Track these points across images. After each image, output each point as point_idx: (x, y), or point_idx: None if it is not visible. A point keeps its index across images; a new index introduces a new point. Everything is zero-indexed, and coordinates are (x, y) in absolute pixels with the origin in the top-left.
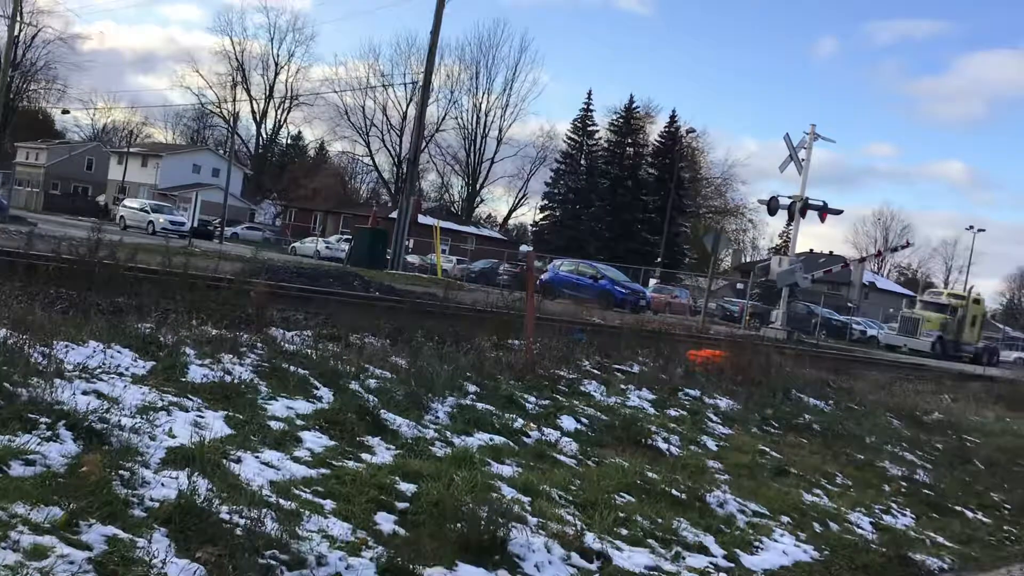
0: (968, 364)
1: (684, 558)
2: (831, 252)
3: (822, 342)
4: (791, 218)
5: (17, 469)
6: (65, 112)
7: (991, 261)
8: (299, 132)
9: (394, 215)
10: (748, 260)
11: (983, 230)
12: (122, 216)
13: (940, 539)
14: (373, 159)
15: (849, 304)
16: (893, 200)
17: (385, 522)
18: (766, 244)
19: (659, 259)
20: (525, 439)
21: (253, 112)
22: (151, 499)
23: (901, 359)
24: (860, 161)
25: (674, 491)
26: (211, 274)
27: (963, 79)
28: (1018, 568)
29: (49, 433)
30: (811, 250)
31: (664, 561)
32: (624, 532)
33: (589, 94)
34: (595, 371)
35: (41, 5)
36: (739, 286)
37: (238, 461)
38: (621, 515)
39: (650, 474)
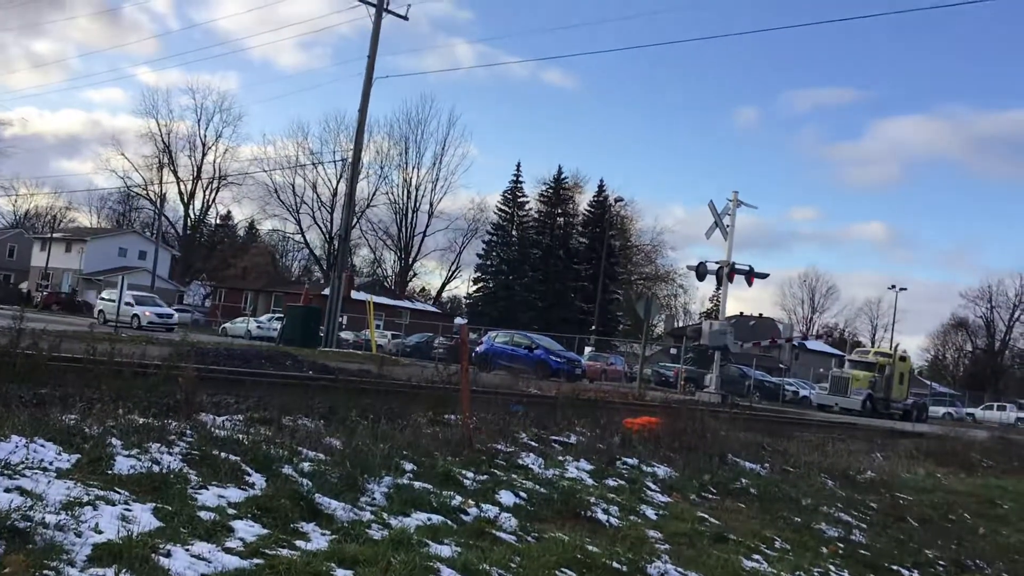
0: (899, 421)
1: None
2: (760, 314)
3: (756, 404)
4: (719, 283)
5: None
6: None
7: (915, 318)
8: (228, 211)
9: (327, 292)
10: (680, 325)
11: (904, 288)
12: (101, 311)
13: None
14: (304, 236)
15: (781, 365)
16: (818, 261)
17: None
18: (697, 308)
19: (593, 327)
20: (464, 517)
21: (180, 193)
22: None
23: (833, 419)
24: (785, 225)
25: (615, 563)
26: (138, 360)
27: (878, 143)
28: None
29: None
30: (741, 313)
31: None
32: None
33: (518, 166)
34: (533, 443)
35: None
36: (672, 351)
37: (168, 555)
38: None
39: (590, 547)
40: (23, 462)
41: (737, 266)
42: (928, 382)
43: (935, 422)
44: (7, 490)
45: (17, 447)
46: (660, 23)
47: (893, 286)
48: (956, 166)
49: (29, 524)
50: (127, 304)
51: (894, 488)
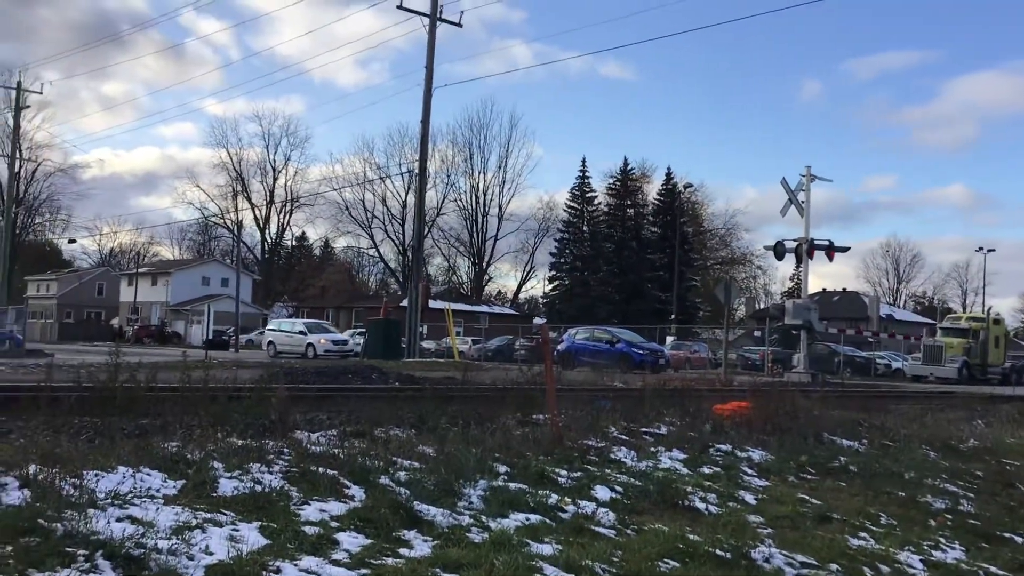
0: (997, 386)
1: None
2: (844, 289)
3: (848, 380)
4: (799, 260)
5: None
6: (72, 241)
7: (1005, 280)
8: (303, 232)
9: (405, 304)
10: (762, 307)
11: (993, 250)
12: (271, 342)
13: (993, 569)
14: (378, 250)
15: (870, 339)
16: (899, 229)
17: None
18: (778, 288)
19: (672, 316)
20: (561, 514)
21: (256, 219)
22: None
23: (929, 389)
24: (861, 196)
25: (718, 551)
26: (231, 384)
27: (951, 103)
28: None
29: (88, 565)
30: (824, 289)
31: None
32: None
33: (583, 161)
34: (623, 437)
35: (39, 140)
36: (756, 333)
37: (277, 571)
38: None
39: (691, 536)
40: (131, 491)
41: (816, 242)
42: None
43: None
44: (119, 519)
45: (124, 477)
46: (712, 3)
47: (980, 248)
48: None
49: (143, 551)
50: (300, 333)
51: (999, 455)
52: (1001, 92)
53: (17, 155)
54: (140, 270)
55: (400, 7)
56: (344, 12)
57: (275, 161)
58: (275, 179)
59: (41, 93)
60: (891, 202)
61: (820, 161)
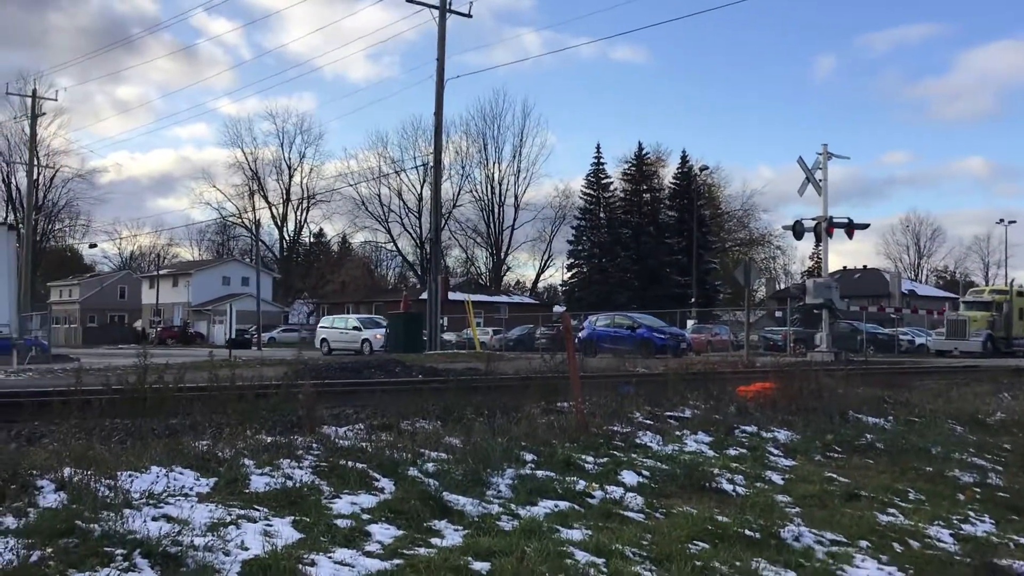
0: (1023, 359)
1: None
2: (865, 266)
3: (871, 357)
4: (818, 239)
5: None
6: (93, 246)
7: None
8: (320, 229)
9: (424, 296)
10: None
11: (1014, 221)
12: (324, 339)
13: (1023, 540)
14: (396, 244)
15: (892, 316)
16: (919, 204)
17: None
18: (798, 268)
19: (692, 299)
20: (590, 500)
21: (273, 217)
22: None
23: (953, 363)
24: (879, 171)
25: (747, 531)
26: (257, 382)
27: (967, 75)
28: None
29: (126, 564)
30: (845, 267)
31: None
32: None
33: (598, 147)
34: (648, 421)
35: (56, 146)
36: (778, 314)
37: (312, 564)
38: (698, 563)
39: (720, 518)
40: (165, 490)
41: (835, 220)
42: None
43: None
44: (154, 518)
45: (158, 477)
46: None
47: (1001, 220)
48: None
49: (179, 548)
50: (354, 329)
51: None
52: (1018, 62)
53: (35, 162)
54: (161, 272)
55: (409, 0)
56: (353, 7)
57: (290, 159)
58: (291, 177)
59: (56, 100)
60: (910, 177)
61: (837, 138)
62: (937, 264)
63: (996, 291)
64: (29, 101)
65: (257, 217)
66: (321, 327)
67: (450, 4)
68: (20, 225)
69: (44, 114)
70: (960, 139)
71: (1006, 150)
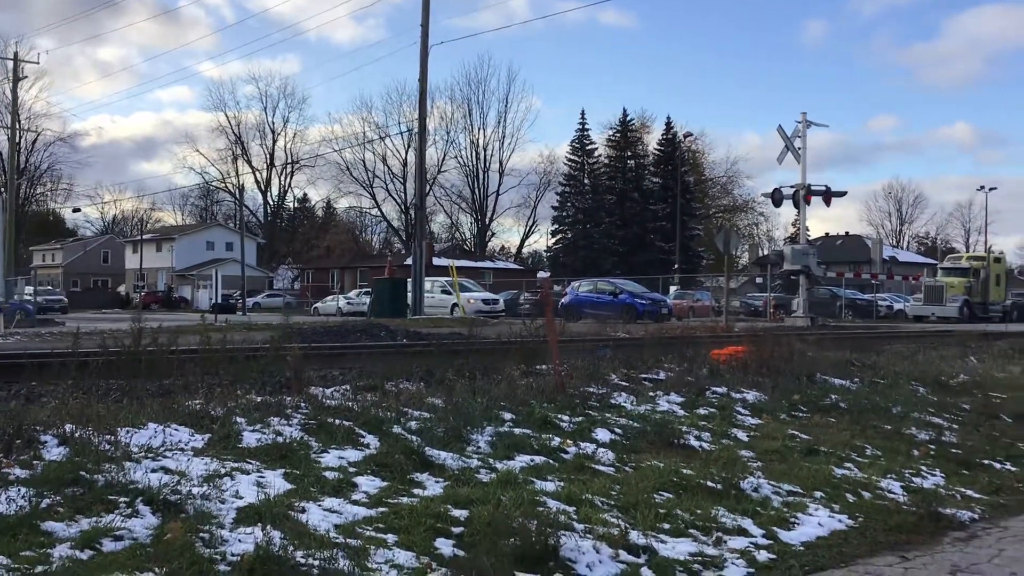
0: (999, 324)
1: (725, 541)
2: (847, 232)
3: (847, 323)
4: (796, 207)
5: (108, 545)
6: (76, 210)
7: (1009, 218)
8: (304, 194)
9: (409, 262)
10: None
11: (994, 188)
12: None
13: (970, 492)
14: (380, 210)
15: (873, 282)
16: (904, 172)
17: (444, 546)
18: (782, 234)
19: (676, 266)
20: (563, 455)
21: (257, 182)
22: (232, 554)
23: (926, 328)
24: (865, 137)
25: (709, 483)
26: (246, 345)
27: (955, 39)
28: None
29: (129, 511)
30: (827, 234)
31: (706, 547)
32: (666, 526)
33: (583, 113)
34: (623, 383)
35: (37, 109)
36: (759, 280)
37: (303, 511)
38: (661, 511)
39: (685, 471)
40: (162, 445)
41: (813, 187)
42: None
43: None
44: (153, 471)
45: (155, 433)
46: None
47: (982, 187)
48: None
49: (179, 496)
50: (444, 293)
51: (987, 388)
52: (1005, 26)
53: (17, 126)
54: (144, 237)
55: None
56: None
57: (274, 123)
58: (275, 141)
59: (38, 63)
60: (895, 143)
61: (824, 104)
62: (919, 231)
63: (974, 257)
64: (11, 64)
65: (241, 182)
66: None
67: None
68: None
69: (26, 77)
70: (946, 105)
71: (992, 116)
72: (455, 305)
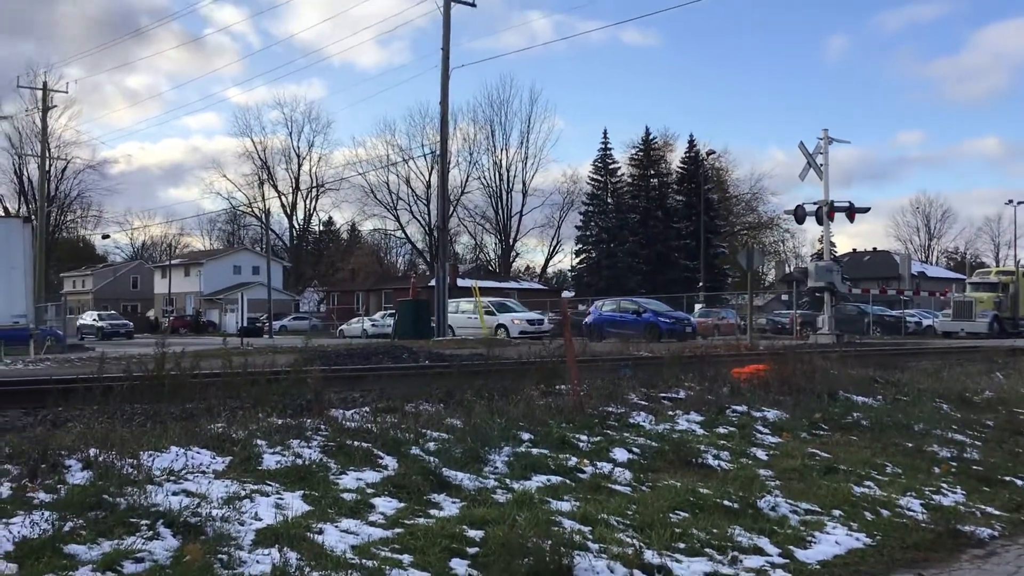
0: None
1: (740, 560)
2: (875, 248)
3: (875, 340)
4: (820, 223)
5: (129, 568)
6: (105, 237)
7: None
8: (329, 217)
9: (433, 283)
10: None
11: (1023, 202)
12: (449, 325)
13: (990, 509)
14: (405, 231)
15: (902, 298)
16: (931, 186)
17: (459, 566)
18: (809, 251)
19: (700, 284)
20: (580, 475)
21: (283, 205)
22: (250, 575)
23: (952, 344)
24: (890, 152)
25: (726, 502)
26: (268, 368)
27: (980, 53)
28: None
29: (150, 533)
30: (855, 250)
31: (721, 566)
32: (681, 545)
33: (605, 132)
34: (642, 403)
35: (67, 138)
36: (784, 297)
37: (320, 532)
38: (677, 531)
39: (702, 490)
40: (184, 468)
41: (836, 204)
42: None
43: None
44: (175, 493)
45: (177, 456)
46: None
47: (1010, 201)
48: None
49: (199, 519)
50: (488, 314)
51: (1012, 404)
52: None
53: (47, 154)
54: (173, 262)
55: None
56: None
57: (299, 148)
58: (300, 165)
59: (67, 92)
60: (921, 157)
61: (848, 119)
62: (948, 246)
63: (1002, 272)
64: (40, 94)
65: (267, 206)
66: (450, 313)
67: None
68: (33, 217)
69: (55, 106)
70: (973, 119)
71: (1019, 128)
72: (500, 326)
